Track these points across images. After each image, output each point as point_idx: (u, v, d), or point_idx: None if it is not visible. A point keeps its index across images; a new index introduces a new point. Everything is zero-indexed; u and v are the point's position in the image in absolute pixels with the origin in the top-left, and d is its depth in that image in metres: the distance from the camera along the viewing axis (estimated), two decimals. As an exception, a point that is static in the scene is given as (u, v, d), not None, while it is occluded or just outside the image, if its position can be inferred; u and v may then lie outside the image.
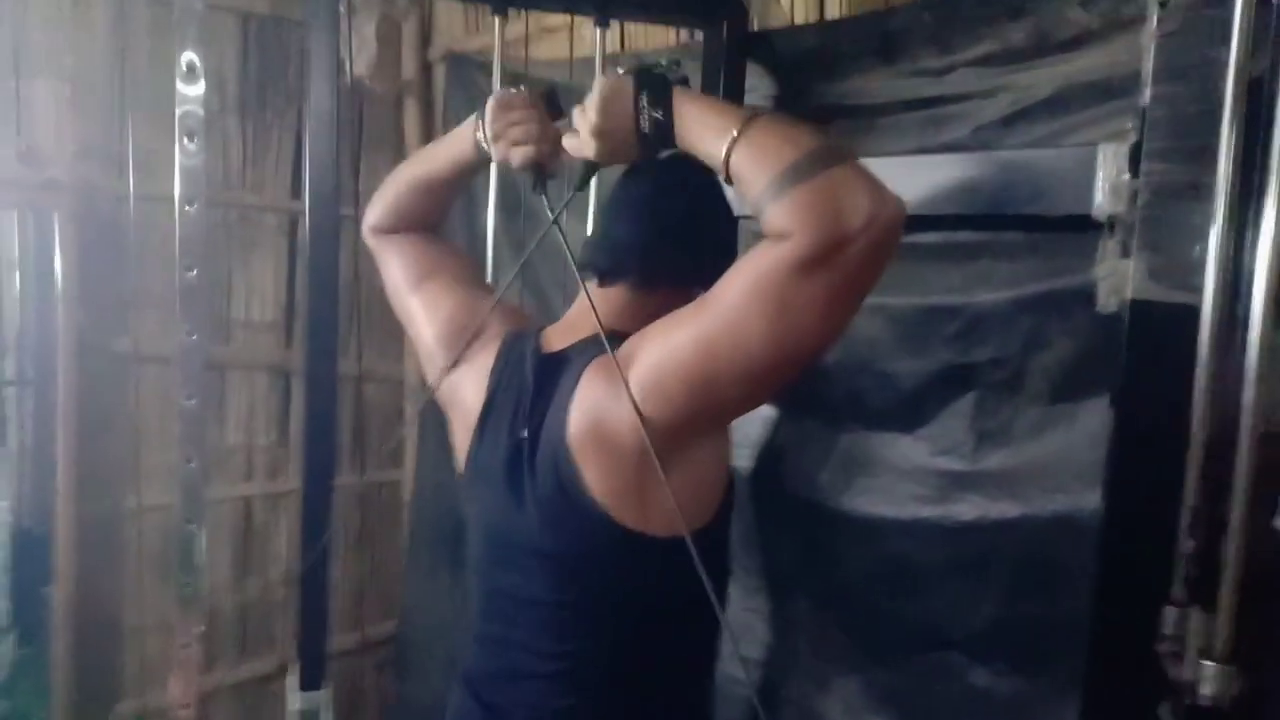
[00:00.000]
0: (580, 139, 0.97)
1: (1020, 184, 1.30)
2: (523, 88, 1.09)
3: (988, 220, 1.38)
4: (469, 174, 1.17)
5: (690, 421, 0.90)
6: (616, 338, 0.96)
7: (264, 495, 2.49)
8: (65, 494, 2.09)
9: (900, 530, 1.55)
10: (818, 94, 1.67)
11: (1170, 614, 1.05)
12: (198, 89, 1.38)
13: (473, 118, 1.10)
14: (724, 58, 1.61)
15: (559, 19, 1.93)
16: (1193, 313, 1.12)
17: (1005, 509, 1.44)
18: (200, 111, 1.38)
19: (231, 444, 2.42)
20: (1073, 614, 1.33)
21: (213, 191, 2.28)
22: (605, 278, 1.06)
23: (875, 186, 0.79)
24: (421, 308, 1.15)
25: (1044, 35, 1.38)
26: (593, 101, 0.93)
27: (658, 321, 0.93)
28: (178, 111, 1.37)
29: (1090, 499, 1.34)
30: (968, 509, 1.48)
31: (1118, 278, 1.22)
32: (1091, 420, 1.34)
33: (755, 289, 0.82)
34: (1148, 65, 1.16)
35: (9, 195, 2.08)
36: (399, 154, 2.69)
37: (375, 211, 1.23)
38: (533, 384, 1.00)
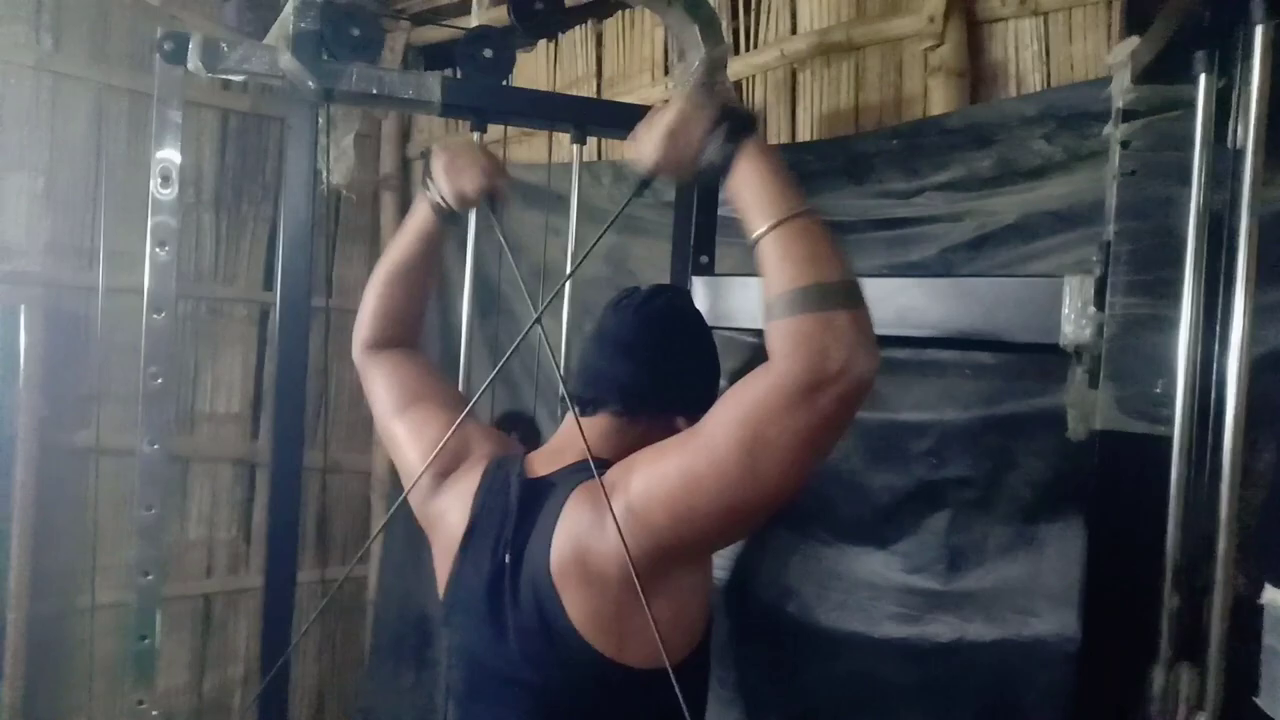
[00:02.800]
0: (643, 148, 0.98)
1: (988, 310, 1.32)
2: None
3: (956, 341, 1.40)
4: (436, 243, 1.21)
5: (673, 550, 0.89)
6: (602, 464, 0.96)
7: (224, 591, 2.42)
8: (19, 592, 2.02)
9: (873, 648, 1.53)
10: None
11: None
12: (172, 195, 1.38)
13: (420, 190, 1.17)
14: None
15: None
16: (1161, 442, 1.14)
17: (979, 631, 1.43)
18: (173, 222, 1.38)
19: (193, 539, 2.37)
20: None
21: (184, 285, 2.30)
22: (588, 407, 1.07)
23: (867, 341, 0.81)
24: (407, 432, 1.15)
25: (1009, 163, 1.42)
26: (668, 117, 0.94)
27: (643, 451, 0.93)
28: (151, 220, 1.36)
29: (1063, 622, 1.33)
30: (943, 629, 1.46)
31: (1086, 407, 1.24)
32: (1063, 542, 1.34)
33: (739, 420, 0.83)
34: (1110, 202, 1.20)
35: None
36: (374, 246, 2.71)
37: (364, 326, 1.24)
38: (516, 509, 0.99)
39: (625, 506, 0.89)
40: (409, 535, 2.65)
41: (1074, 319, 1.24)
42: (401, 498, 1.12)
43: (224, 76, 1.42)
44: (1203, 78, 1.00)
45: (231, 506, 2.45)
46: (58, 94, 2.13)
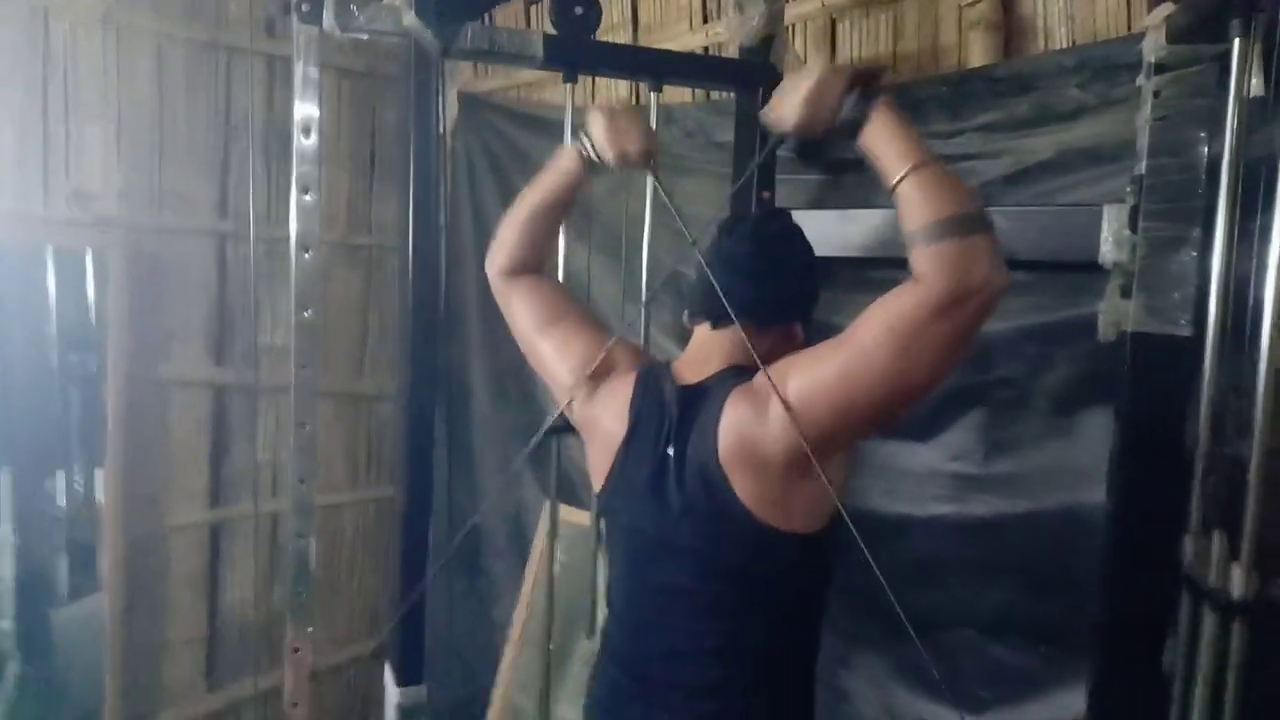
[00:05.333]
0: (778, 112, 1.16)
1: (1035, 236, 1.56)
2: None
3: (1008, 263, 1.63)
4: (576, 189, 1.36)
5: (831, 438, 1.09)
6: (743, 371, 1.17)
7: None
8: (112, 512, 2.18)
9: (920, 526, 1.79)
10: (837, 149, 1.91)
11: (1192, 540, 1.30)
12: (313, 144, 1.53)
13: (571, 143, 1.34)
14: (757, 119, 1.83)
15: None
16: (1181, 342, 1.41)
17: (1014, 505, 1.70)
18: (315, 170, 1.53)
19: (260, 461, 2.52)
20: (1075, 594, 1.60)
21: (241, 225, 2.43)
22: (719, 321, 1.24)
23: (999, 260, 1.01)
24: (553, 349, 1.32)
25: (1045, 107, 1.64)
26: (807, 83, 1.11)
27: (797, 356, 1.13)
28: (296, 169, 1.51)
29: (1090, 494, 1.61)
30: (981, 507, 1.73)
31: (1118, 314, 1.49)
32: (1091, 429, 1.61)
33: (889, 329, 1.03)
34: (1143, 142, 1.44)
35: (59, 234, 2.16)
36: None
37: (502, 254, 1.40)
38: (677, 411, 1.19)
39: (791, 401, 1.08)
40: (448, 454, 2.85)
41: (1111, 241, 1.49)
42: (544, 427, 1.31)
43: (353, 35, 1.56)
44: (1237, 41, 1.23)
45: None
46: (122, 46, 2.22)
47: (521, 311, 1.38)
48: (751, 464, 1.12)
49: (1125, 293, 1.48)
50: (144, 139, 2.28)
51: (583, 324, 1.35)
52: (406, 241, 1.62)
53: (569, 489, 2.58)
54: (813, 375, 1.08)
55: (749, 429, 1.12)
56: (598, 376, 1.28)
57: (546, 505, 2.14)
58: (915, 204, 1.03)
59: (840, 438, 1.11)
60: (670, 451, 1.18)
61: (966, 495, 1.76)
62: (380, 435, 2.83)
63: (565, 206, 1.40)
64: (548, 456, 2.59)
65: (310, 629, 1.64)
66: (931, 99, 1.75)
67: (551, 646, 2.03)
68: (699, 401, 1.18)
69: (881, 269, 1.75)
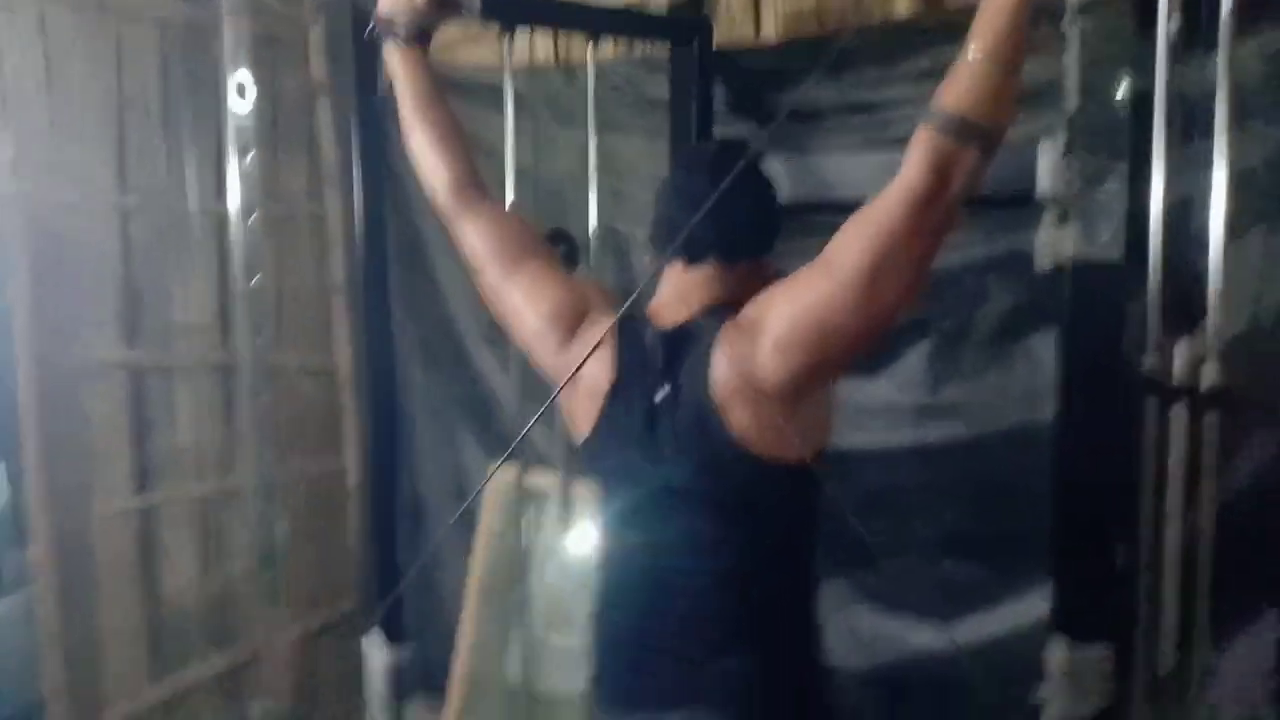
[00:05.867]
0: None
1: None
2: None
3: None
4: (432, 77, 1.36)
5: (820, 365, 1.11)
6: (724, 309, 1.18)
7: (218, 492, 2.52)
8: (39, 502, 2.07)
9: (876, 456, 1.89)
10: (772, 102, 1.97)
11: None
12: (249, 105, 1.46)
13: (386, 46, 1.34)
14: (694, 71, 1.87)
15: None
16: (1114, 266, 1.54)
17: (964, 430, 1.82)
18: (251, 131, 1.47)
19: (182, 444, 2.43)
20: (1023, 509, 1.74)
21: (143, 199, 2.31)
22: (695, 260, 1.21)
23: (978, 182, 1.02)
24: (523, 293, 1.27)
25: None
26: None
27: (776, 287, 1.13)
28: (232, 128, 1.45)
29: (1036, 415, 1.73)
30: (933, 434, 1.84)
31: (1055, 243, 1.61)
32: (1032, 354, 1.74)
33: (869, 233, 1.03)
34: (1072, 82, 1.55)
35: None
36: (313, 154, 2.74)
37: (441, 169, 1.33)
38: (664, 354, 1.19)
39: (775, 336, 1.09)
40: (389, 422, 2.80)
41: (1048, 174, 1.60)
42: (554, 394, 1.30)
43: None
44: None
45: (214, 411, 2.52)
46: (4, 15, 2.06)
47: (482, 247, 1.31)
48: (746, 399, 1.13)
49: (1061, 223, 1.59)
50: (34, 113, 2.13)
51: (550, 265, 1.31)
52: (352, 210, 1.59)
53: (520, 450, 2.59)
54: (799, 301, 1.09)
55: (742, 365, 1.12)
56: (574, 320, 1.25)
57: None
58: (961, 82, 1.01)
59: (830, 362, 1.13)
60: (661, 395, 1.18)
61: (919, 423, 1.86)
62: (307, 408, 2.76)
63: (442, 99, 1.37)
64: (486, 415, 2.61)
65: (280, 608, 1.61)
66: (863, 48, 1.82)
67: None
68: (685, 343, 1.18)
69: (820, 214, 1.82)
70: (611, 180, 2.07)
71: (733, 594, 1.20)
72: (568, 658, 2.15)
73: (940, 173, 1.00)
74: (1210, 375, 1.42)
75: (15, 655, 2.14)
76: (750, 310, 1.15)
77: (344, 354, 2.84)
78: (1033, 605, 1.80)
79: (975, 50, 1.00)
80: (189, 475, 2.45)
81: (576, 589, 2.08)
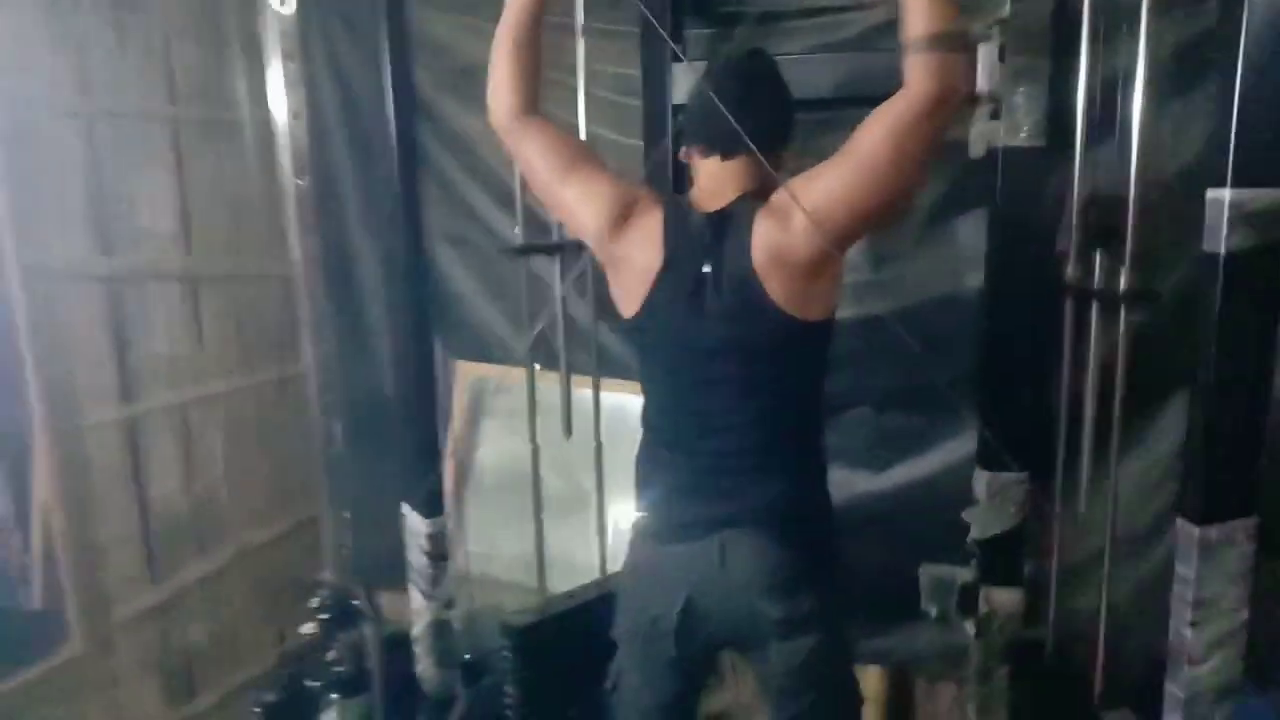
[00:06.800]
0: None
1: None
2: None
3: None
4: (543, 4, 1.47)
5: (847, 237, 1.35)
6: (757, 195, 1.40)
7: (196, 400, 2.59)
8: (41, 411, 2.13)
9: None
10: (726, 4, 2.15)
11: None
12: (291, 9, 1.56)
13: None
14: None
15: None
16: (1039, 151, 1.81)
17: (903, 300, 2.10)
18: (294, 32, 1.56)
19: (157, 353, 2.48)
20: (954, 366, 2.03)
21: (107, 103, 2.30)
22: (729, 153, 1.41)
23: (969, 72, 1.28)
24: (577, 195, 1.46)
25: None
26: None
27: (810, 172, 1.35)
28: (275, 31, 1.53)
29: (965, 284, 2.02)
30: (875, 306, 2.10)
31: (988, 133, 1.86)
32: (963, 232, 2.02)
33: (887, 130, 1.25)
34: (1006, -9, 1.79)
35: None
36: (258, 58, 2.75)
37: (506, 93, 1.48)
38: (710, 234, 1.40)
39: (812, 211, 1.30)
40: (349, 328, 2.91)
41: (984, 72, 1.84)
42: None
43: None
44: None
45: (185, 321, 2.57)
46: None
47: (538, 158, 1.49)
48: (782, 269, 1.36)
49: (994, 115, 1.85)
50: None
51: (599, 168, 1.49)
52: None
53: (479, 347, 2.75)
54: (827, 185, 1.32)
55: (778, 240, 1.35)
56: (625, 214, 1.45)
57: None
58: (918, 14, 1.22)
59: (853, 234, 1.36)
60: (708, 269, 1.40)
61: (862, 298, 2.12)
62: (263, 316, 2.83)
63: (539, 22, 1.49)
64: (453, 313, 2.74)
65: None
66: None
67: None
68: (726, 225, 1.40)
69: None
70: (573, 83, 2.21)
71: (767, 430, 1.44)
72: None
73: (941, 78, 1.23)
74: (1126, 280, 1.72)
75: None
76: (781, 195, 1.37)
77: (298, 260, 2.91)
78: (963, 444, 2.14)
79: None
80: (165, 383, 2.50)
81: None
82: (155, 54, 2.46)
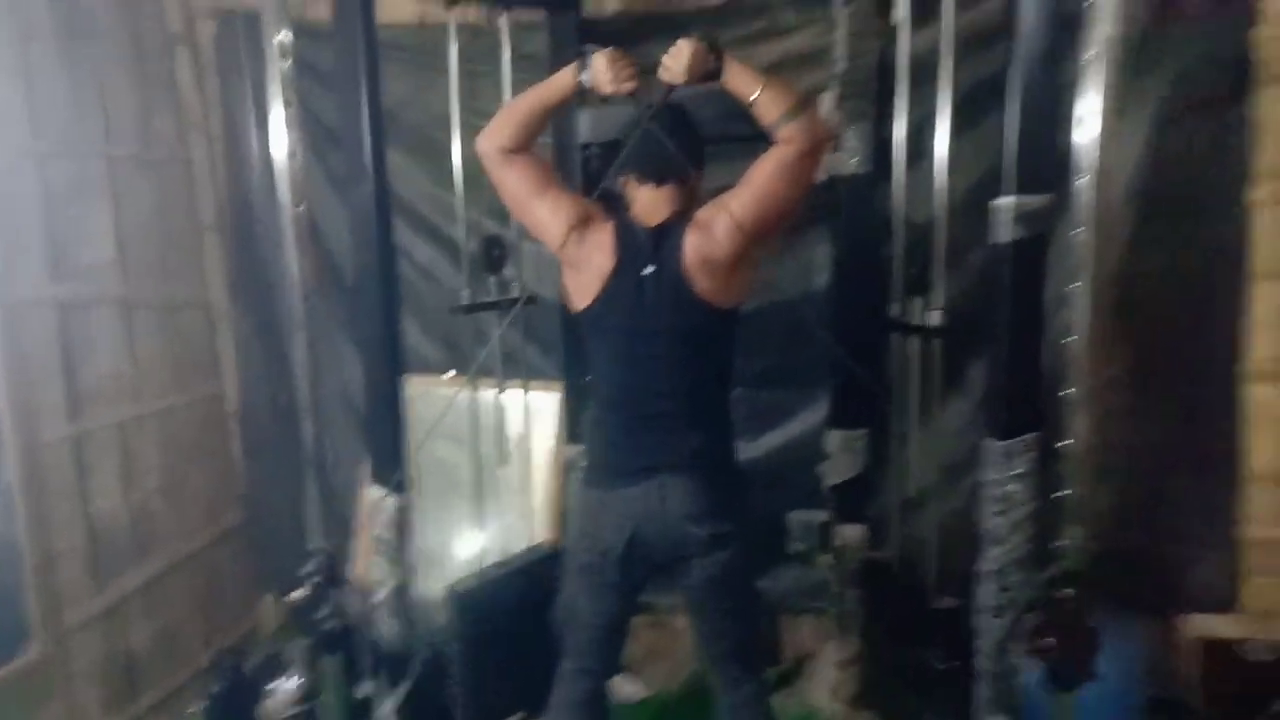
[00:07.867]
0: (674, 71, 1.70)
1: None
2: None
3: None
4: (567, 100, 1.81)
5: (757, 243, 1.77)
6: (685, 213, 1.82)
7: (136, 417, 2.77)
8: (11, 420, 2.28)
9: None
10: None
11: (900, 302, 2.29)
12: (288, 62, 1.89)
13: (573, 66, 1.76)
14: (572, 33, 2.47)
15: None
16: (866, 177, 2.34)
17: (767, 299, 2.58)
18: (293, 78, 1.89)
19: (102, 374, 2.66)
20: (807, 352, 2.55)
21: (57, 144, 2.49)
22: (663, 180, 1.82)
23: (824, 121, 1.75)
24: (548, 210, 1.81)
25: (771, 25, 2.48)
26: (683, 50, 1.68)
27: (725, 196, 1.76)
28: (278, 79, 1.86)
29: (814, 285, 2.54)
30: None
31: (831, 163, 2.37)
32: (812, 243, 2.55)
33: (781, 166, 1.69)
34: (841, 49, 2.31)
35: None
36: (175, 101, 2.98)
37: (503, 137, 1.80)
38: (651, 243, 1.80)
39: (730, 219, 1.72)
40: (267, 350, 3.15)
41: (827, 116, 2.36)
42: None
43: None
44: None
45: (125, 344, 2.75)
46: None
47: (517, 182, 1.83)
48: (705, 269, 1.78)
49: (834, 149, 2.37)
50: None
51: (564, 189, 1.88)
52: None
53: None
54: (740, 203, 1.75)
55: (703, 246, 1.77)
56: (584, 226, 1.82)
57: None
58: (771, 105, 1.67)
59: (763, 240, 1.80)
60: (648, 270, 1.81)
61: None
62: (193, 341, 3.03)
63: (554, 111, 1.84)
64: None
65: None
66: (690, 23, 2.50)
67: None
68: (663, 237, 1.81)
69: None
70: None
71: (694, 394, 1.86)
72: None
73: (806, 133, 1.68)
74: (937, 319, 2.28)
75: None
76: (703, 213, 1.81)
77: (217, 288, 3.15)
78: (816, 413, 2.69)
79: (756, 91, 1.68)
80: (108, 403, 2.67)
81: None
82: (91, 96, 2.65)
